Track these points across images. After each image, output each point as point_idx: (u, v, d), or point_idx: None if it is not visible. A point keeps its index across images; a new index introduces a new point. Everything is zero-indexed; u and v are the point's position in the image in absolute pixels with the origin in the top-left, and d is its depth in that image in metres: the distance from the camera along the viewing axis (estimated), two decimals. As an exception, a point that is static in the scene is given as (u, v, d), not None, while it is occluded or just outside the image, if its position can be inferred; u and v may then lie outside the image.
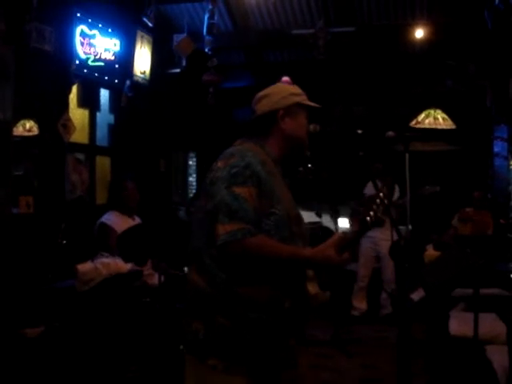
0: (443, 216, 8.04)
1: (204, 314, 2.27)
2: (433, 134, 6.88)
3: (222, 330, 2.23)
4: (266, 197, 2.28)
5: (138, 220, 5.24)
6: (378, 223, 2.29)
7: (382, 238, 6.76)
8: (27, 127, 5.71)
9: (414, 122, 6.86)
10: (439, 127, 6.54)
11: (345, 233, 2.39)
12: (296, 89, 2.60)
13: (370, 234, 6.89)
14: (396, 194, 6.90)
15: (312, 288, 2.35)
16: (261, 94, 2.56)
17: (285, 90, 2.56)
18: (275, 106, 2.49)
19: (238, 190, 2.23)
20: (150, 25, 7.21)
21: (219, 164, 2.36)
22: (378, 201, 2.29)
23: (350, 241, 2.28)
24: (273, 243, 2.24)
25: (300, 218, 2.46)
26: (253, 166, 2.29)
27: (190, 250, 2.40)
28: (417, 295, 3.44)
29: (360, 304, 7.09)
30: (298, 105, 2.53)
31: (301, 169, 6.01)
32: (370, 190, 6.88)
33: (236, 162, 2.30)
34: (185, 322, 2.33)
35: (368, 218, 2.27)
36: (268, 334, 2.26)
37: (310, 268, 2.36)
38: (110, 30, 6.76)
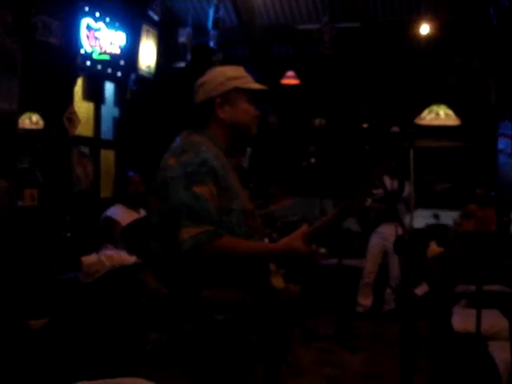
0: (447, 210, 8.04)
1: (167, 322, 2.15)
2: (437, 130, 6.87)
3: (187, 336, 2.12)
4: (224, 193, 2.16)
5: (143, 213, 5.24)
6: (362, 213, 2.26)
7: (391, 234, 6.76)
8: (33, 120, 5.72)
9: (417, 118, 6.86)
10: (443, 123, 6.53)
11: (320, 219, 2.32)
12: (235, 71, 2.38)
13: (380, 229, 6.92)
14: (407, 190, 6.88)
15: (277, 282, 2.25)
16: (199, 81, 2.38)
17: (221, 74, 2.35)
18: (211, 94, 2.31)
19: (197, 189, 2.08)
20: (156, 18, 7.22)
21: (171, 161, 2.19)
22: (362, 189, 2.24)
23: (324, 229, 2.23)
24: (240, 242, 2.15)
25: (254, 211, 2.33)
26: (209, 162, 2.15)
27: (146, 256, 2.28)
28: (420, 290, 3.45)
29: (365, 301, 7.06)
30: (238, 89, 2.33)
31: (304, 163, 6.02)
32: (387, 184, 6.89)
33: (190, 158, 2.15)
34: (141, 332, 2.22)
35: (352, 204, 2.20)
36: (233, 333, 2.16)
37: (279, 262, 2.26)
38: (115, 24, 6.76)
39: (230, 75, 2.34)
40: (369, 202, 2.27)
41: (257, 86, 2.39)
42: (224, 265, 2.11)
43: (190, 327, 2.11)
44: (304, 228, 2.21)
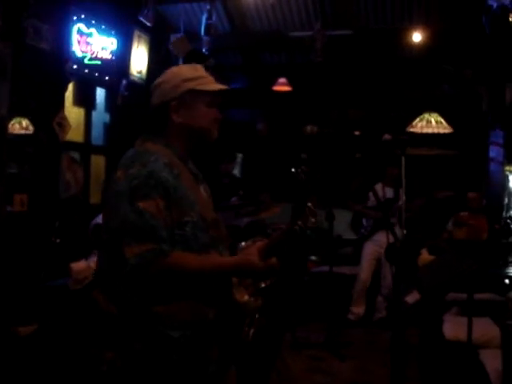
0: (438, 220, 8.04)
1: (118, 342, 2.05)
2: (428, 138, 6.89)
3: (141, 356, 2.01)
4: (176, 206, 2.03)
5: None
6: (311, 230, 2.23)
7: (386, 242, 6.75)
8: (23, 125, 5.68)
9: (409, 126, 6.88)
10: (435, 131, 6.55)
11: (271, 236, 2.28)
12: (193, 71, 2.23)
13: (375, 237, 6.91)
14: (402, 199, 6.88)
15: (240, 295, 2.18)
16: (155, 82, 2.25)
17: (177, 75, 2.21)
18: (166, 98, 2.17)
19: (142, 204, 1.96)
20: (149, 24, 7.21)
21: (118, 174, 2.07)
22: (306, 210, 2.20)
23: (275, 244, 2.16)
24: (189, 259, 2.03)
25: (218, 220, 2.22)
26: (157, 174, 2.01)
27: (96, 274, 2.22)
28: (411, 298, 3.44)
29: (358, 309, 7.00)
30: (195, 91, 2.18)
31: (293, 170, 5.99)
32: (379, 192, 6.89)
33: (136, 171, 2.02)
34: (95, 352, 2.17)
35: (296, 227, 2.16)
36: (191, 350, 2.05)
37: (235, 276, 2.19)
38: (107, 29, 6.74)
39: (186, 76, 2.20)
40: (312, 221, 2.20)
41: (215, 86, 2.23)
42: (173, 282, 2.01)
43: (144, 347, 2.01)
44: (260, 243, 2.17)
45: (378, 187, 6.56)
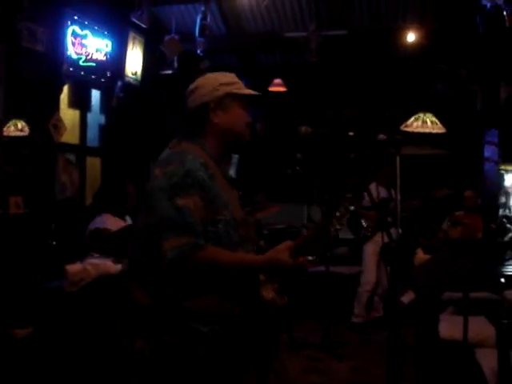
0: (433, 220, 8.06)
1: (148, 332, 2.13)
2: (424, 137, 6.89)
3: (169, 348, 2.10)
4: (210, 204, 2.14)
5: (129, 221, 5.21)
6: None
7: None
8: (19, 127, 5.68)
9: (403, 126, 6.88)
10: (428, 131, 6.55)
11: (303, 235, 2.35)
12: (228, 77, 2.37)
13: (376, 238, 6.89)
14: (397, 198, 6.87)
15: (266, 293, 2.25)
16: (191, 86, 2.36)
17: (214, 80, 2.34)
18: (205, 100, 2.30)
19: (180, 201, 2.07)
20: (144, 26, 7.21)
21: (156, 172, 2.19)
22: (338, 214, 2.24)
23: (304, 244, 2.23)
24: (223, 254, 2.13)
25: (247, 220, 2.33)
26: (194, 172, 2.13)
27: (131, 265, 2.27)
28: (407, 298, 3.45)
29: (364, 311, 6.90)
30: (231, 95, 2.32)
31: (289, 171, 6.00)
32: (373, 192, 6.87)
33: (175, 169, 2.13)
34: (126, 341, 2.20)
35: (332, 229, 2.22)
36: (220, 344, 2.14)
37: (264, 273, 2.26)
38: (101, 31, 6.74)
39: (223, 81, 2.34)
40: (342, 222, 2.25)
41: (249, 91, 2.39)
42: (206, 276, 2.09)
43: (172, 339, 2.09)
44: (289, 242, 2.21)
45: (372, 187, 6.55)
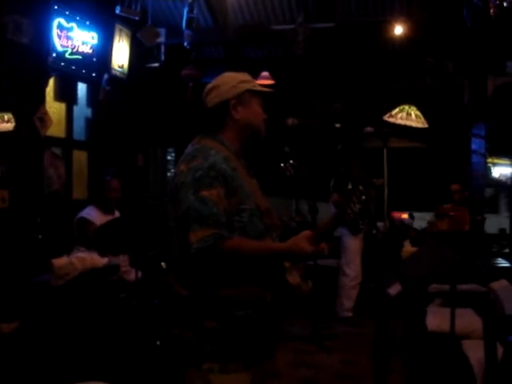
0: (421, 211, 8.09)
1: (191, 321, 2.26)
2: (410, 130, 6.90)
3: (211, 332, 2.24)
4: (234, 194, 2.26)
5: (117, 215, 5.20)
6: (354, 220, 2.34)
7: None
8: (5, 119, 5.61)
9: (387, 116, 6.88)
10: (411, 124, 6.55)
11: (321, 223, 2.42)
12: (245, 76, 2.51)
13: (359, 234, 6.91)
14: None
15: (292, 279, 2.35)
16: (209, 85, 2.48)
17: (234, 78, 2.47)
18: (226, 96, 2.42)
19: (205, 193, 2.20)
20: (137, 18, 7.16)
21: (182, 167, 2.32)
22: (354, 198, 2.32)
23: (324, 231, 2.34)
24: (246, 243, 2.25)
25: (270, 210, 2.43)
26: (217, 165, 2.25)
27: (168, 259, 2.41)
28: (394, 290, 3.45)
29: (351, 303, 6.94)
30: (250, 92, 2.45)
31: (282, 165, 6.00)
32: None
33: (199, 164, 2.26)
34: (175, 332, 2.32)
35: (349, 212, 2.30)
36: (256, 327, 2.29)
37: (287, 260, 2.35)
38: (87, 23, 6.69)
39: (242, 79, 2.46)
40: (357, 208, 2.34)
41: (264, 89, 2.53)
42: (235, 265, 2.22)
43: (213, 323, 2.23)
44: (308, 231, 2.32)
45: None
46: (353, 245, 6.95)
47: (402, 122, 6.06)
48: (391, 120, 6.14)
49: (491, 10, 6.03)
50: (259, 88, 2.50)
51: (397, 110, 6.25)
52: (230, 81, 2.45)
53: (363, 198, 2.33)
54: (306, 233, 2.31)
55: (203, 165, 2.25)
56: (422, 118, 6.33)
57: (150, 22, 7.38)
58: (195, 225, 2.17)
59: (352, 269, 6.95)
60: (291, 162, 5.85)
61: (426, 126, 6.38)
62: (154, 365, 4.14)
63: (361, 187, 2.34)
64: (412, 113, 6.19)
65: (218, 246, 2.15)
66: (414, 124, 6.20)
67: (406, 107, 6.21)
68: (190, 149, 2.40)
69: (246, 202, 2.29)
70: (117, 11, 6.99)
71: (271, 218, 2.42)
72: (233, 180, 2.27)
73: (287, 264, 2.35)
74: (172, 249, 2.33)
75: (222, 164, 2.27)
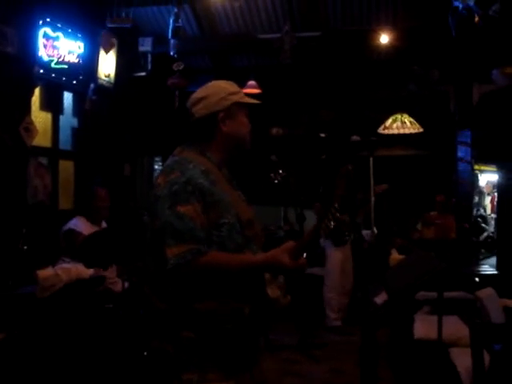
0: (407, 220, 8.10)
1: (169, 333, 2.24)
2: (397, 139, 6.92)
3: (189, 342, 2.21)
4: (213, 209, 2.23)
5: (104, 225, 5.17)
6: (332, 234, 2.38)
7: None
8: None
9: (382, 128, 6.91)
10: (407, 131, 6.57)
11: (302, 237, 2.42)
12: (233, 86, 2.47)
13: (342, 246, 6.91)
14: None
15: (272, 292, 2.32)
16: (197, 95, 2.43)
17: (222, 89, 2.43)
18: (214, 109, 2.38)
19: (181, 208, 2.17)
20: (128, 25, 7.14)
21: (159, 180, 2.30)
22: (330, 214, 2.35)
23: (305, 243, 2.32)
24: (223, 257, 2.22)
25: (253, 221, 2.39)
26: (194, 180, 2.22)
27: (145, 270, 2.37)
28: (380, 299, 3.45)
29: (337, 314, 6.93)
30: (237, 103, 2.42)
31: (272, 174, 6.00)
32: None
33: (176, 177, 2.23)
34: (155, 344, 2.30)
35: (324, 227, 2.33)
36: (234, 339, 2.26)
37: (264, 272, 2.32)
38: (73, 32, 6.66)
39: (230, 90, 2.43)
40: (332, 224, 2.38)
41: (252, 100, 2.50)
42: (212, 279, 2.20)
43: (190, 334, 2.20)
44: (291, 242, 2.30)
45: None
46: (334, 256, 6.97)
47: (400, 131, 6.09)
48: (386, 132, 6.16)
49: (476, 19, 6.08)
50: (247, 100, 2.48)
51: (390, 120, 6.28)
52: (219, 92, 2.41)
53: (337, 215, 2.35)
54: (288, 245, 2.28)
55: (180, 179, 2.22)
56: (417, 124, 6.36)
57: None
58: (170, 240, 2.15)
59: (331, 279, 6.98)
60: (280, 171, 5.86)
61: (422, 130, 6.41)
62: (141, 375, 4.11)
63: (336, 205, 2.35)
64: (406, 120, 6.23)
65: (195, 261, 2.13)
66: (410, 131, 6.23)
67: (399, 116, 6.25)
68: (169, 160, 2.38)
69: (225, 215, 2.26)
70: (108, 25, 6.97)
71: (253, 230, 2.38)
72: (212, 194, 2.24)
73: (267, 276, 2.32)
74: (149, 260, 2.30)
75: (199, 179, 2.24)
